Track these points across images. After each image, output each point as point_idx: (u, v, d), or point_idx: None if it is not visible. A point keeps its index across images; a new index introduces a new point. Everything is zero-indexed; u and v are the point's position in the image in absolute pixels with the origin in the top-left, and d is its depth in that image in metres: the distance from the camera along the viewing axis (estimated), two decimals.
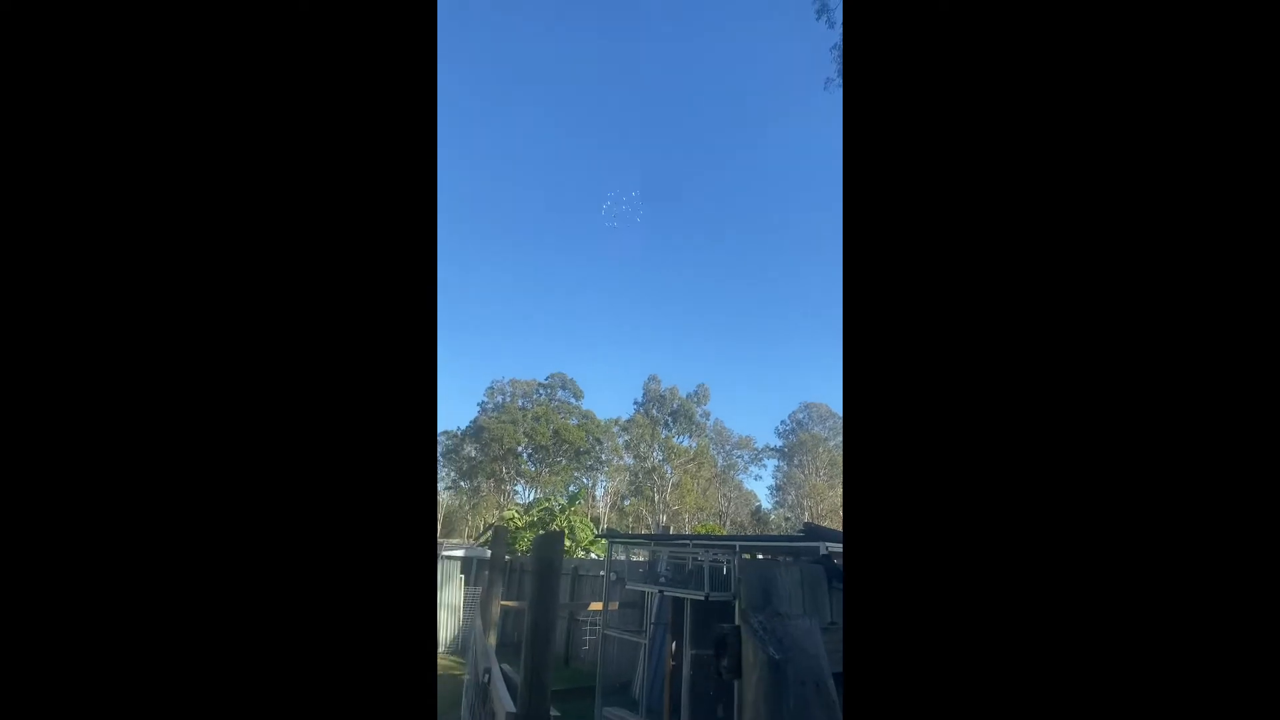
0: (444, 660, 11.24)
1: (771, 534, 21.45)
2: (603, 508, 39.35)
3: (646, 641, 7.34)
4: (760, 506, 44.13)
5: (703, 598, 5.41)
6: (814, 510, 39.37)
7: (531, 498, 33.36)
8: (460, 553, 13.77)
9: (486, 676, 4.48)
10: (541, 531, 16.33)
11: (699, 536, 7.74)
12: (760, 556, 6.77)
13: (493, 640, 7.27)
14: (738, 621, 1.83)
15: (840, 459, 41.57)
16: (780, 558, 6.40)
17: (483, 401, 40.65)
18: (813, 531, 6.44)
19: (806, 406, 44.63)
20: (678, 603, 6.31)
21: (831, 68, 15.19)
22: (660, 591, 6.63)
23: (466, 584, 13.07)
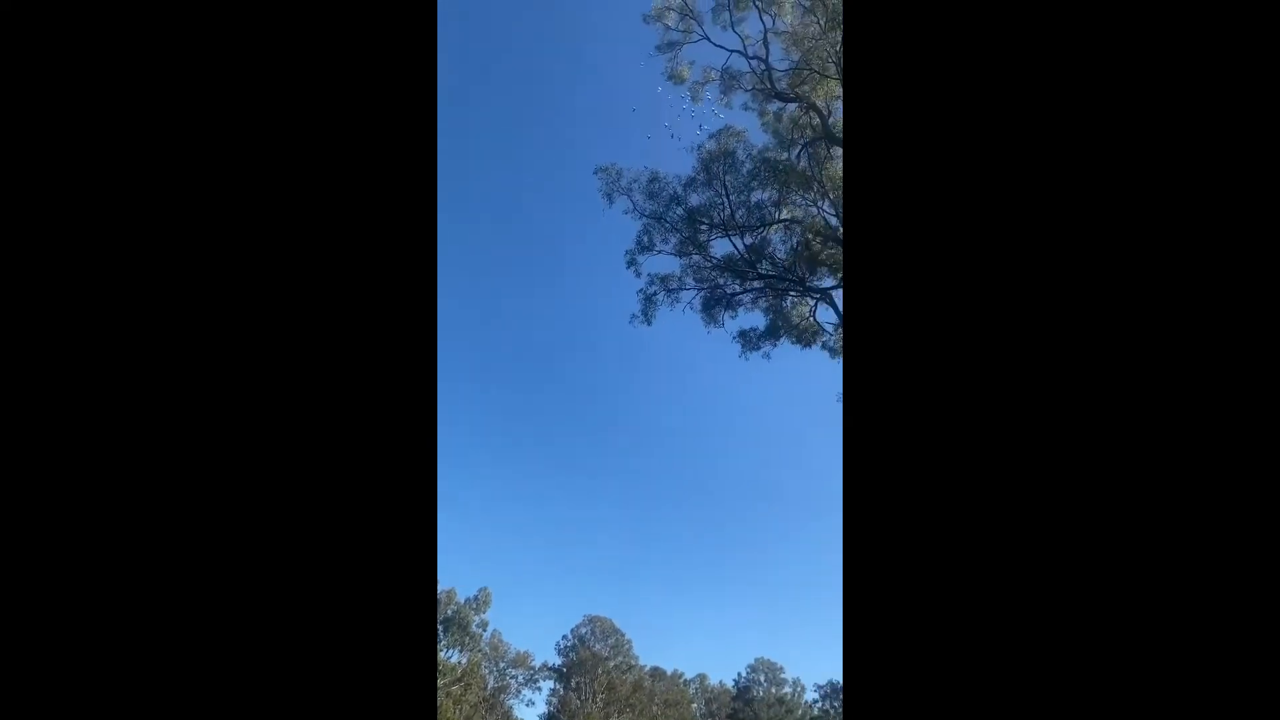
0: None
1: None
2: None
3: None
4: None
5: None
6: None
7: None
8: None
9: None
10: None
11: None
12: None
13: None
14: None
15: (617, 683, 39.09)
16: None
17: None
18: None
19: (591, 620, 42.60)
20: None
21: (636, 307, 17.45)
22: None
23: None
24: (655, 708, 40.01)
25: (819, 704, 41.33)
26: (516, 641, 42.90)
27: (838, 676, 44.32)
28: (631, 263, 16.62)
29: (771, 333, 17.29)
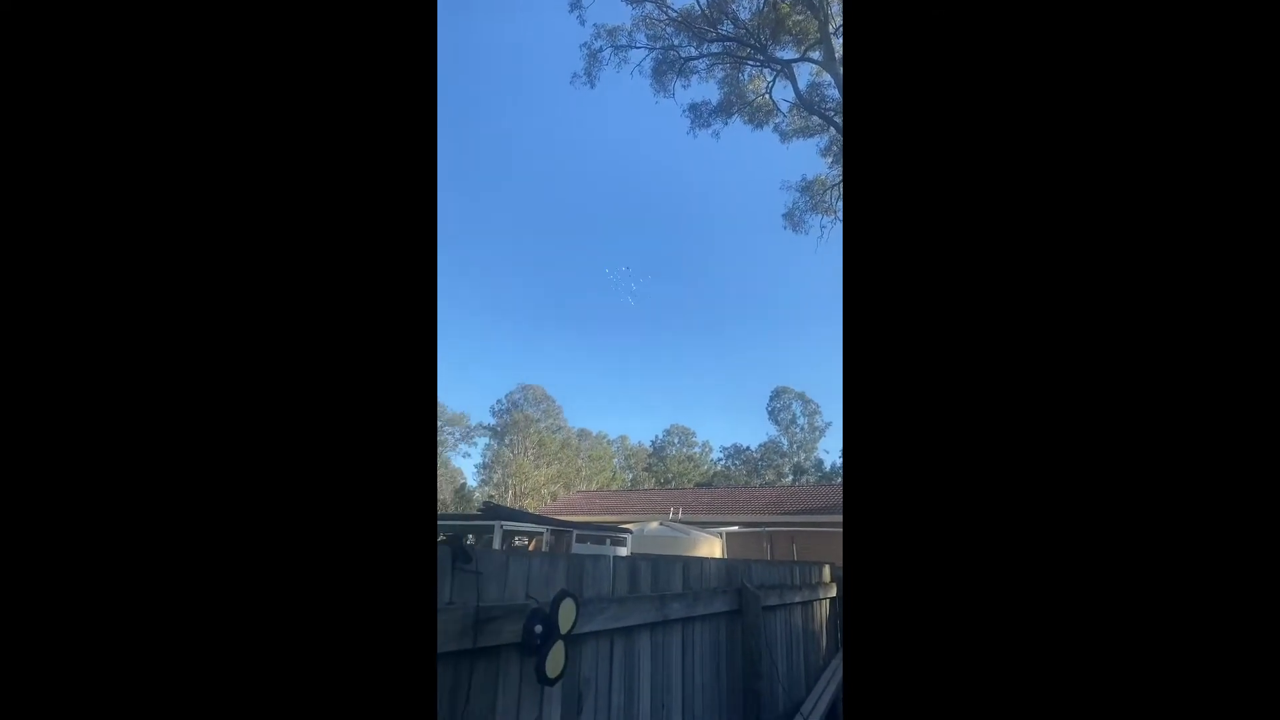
0: None
1: (466, 512, 21.36)
2: None
3: None
4: (465, 484, 43.60)
5: None
6: (518, 489, 40.30)
7: None
8: None
9: None
10: None
11: None
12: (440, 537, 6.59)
13: None
14: None
15: (547, 440, 43.27)
16: None
17: None
18: (492, 510, 6.51)
19: (524, 388, 45.43)
20: None
21: (579, 64, 15.67)
22: None
23: None
24: (580, 461, 45.05)
25: (722, 462, 47.70)
26: (453, 404, 45.70)
27: (741, 440, 50.40)
28: (575, 6, 14.47)
29: (724, 108, 16.16)
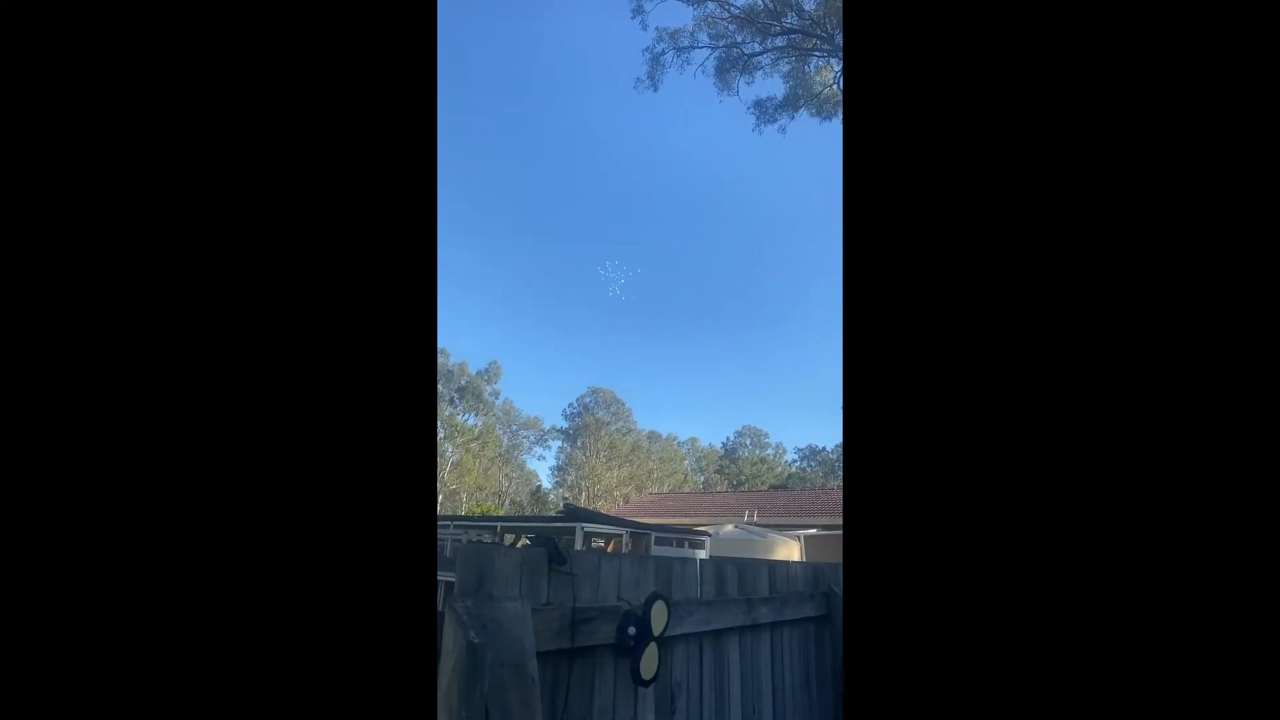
0: None
1: (546, 514, 21.83)
2: None
3: None
4: (541, 486, 44.66)
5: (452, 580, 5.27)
6: (590, 491, 40.90)
7: None
8: None
9: None
10: None
11: (460, 517, 7.55)
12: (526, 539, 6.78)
13: None
14: (441, 606, 1.75)
15: (618, 443, 43.64)
16: (494, 540, 6.47)
17: None
18: (572, 512, 6.63)
19: (594, 391, 46.09)
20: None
21: (641, 69, 15.78)
22: None
23: None
24: (651, 463, 45.25)
25: (797, 463, 46.66)
26: (526, 408, 46.92)
27: (816, 441, 49.14)
28: (638, 11, 14.58)
29: (790, 102, 15.85)
